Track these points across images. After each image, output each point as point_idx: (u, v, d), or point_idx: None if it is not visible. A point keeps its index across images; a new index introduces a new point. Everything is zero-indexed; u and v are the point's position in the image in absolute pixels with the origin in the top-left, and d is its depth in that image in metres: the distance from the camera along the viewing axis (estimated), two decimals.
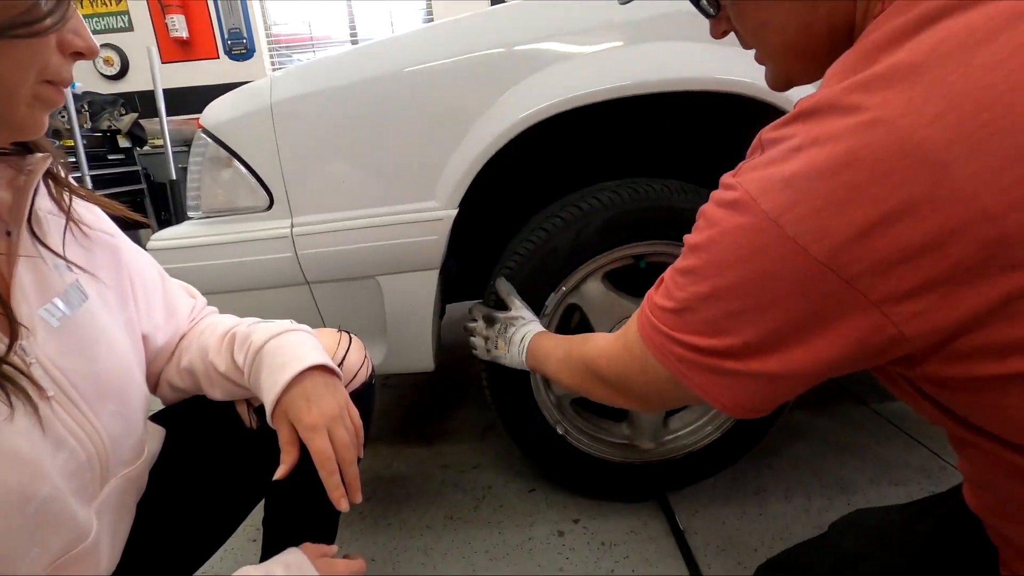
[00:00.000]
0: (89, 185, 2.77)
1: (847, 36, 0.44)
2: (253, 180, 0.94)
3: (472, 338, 1.00)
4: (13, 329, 0.42)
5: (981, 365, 0.35)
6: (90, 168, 2.80)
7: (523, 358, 0.88)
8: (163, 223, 3.38)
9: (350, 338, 0.74)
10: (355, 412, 0.60)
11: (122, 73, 3.83)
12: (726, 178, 0.42)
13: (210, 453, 0.65)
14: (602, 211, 0.93)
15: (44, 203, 0.50)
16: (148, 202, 3.31)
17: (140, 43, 3.67)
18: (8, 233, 0.46)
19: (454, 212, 0.92)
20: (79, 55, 0.44)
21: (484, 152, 0.89)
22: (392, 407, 1.64)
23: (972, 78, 0.31)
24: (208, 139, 0.95)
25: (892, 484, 1.12)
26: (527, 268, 0.96)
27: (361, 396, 0.72)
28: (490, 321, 0.96)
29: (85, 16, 3.84)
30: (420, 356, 1.03)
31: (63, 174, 0.52)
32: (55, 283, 0.48)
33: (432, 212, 0.92)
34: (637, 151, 1.17)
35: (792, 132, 0.38)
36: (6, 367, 0.40)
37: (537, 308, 0.98)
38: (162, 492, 0.61)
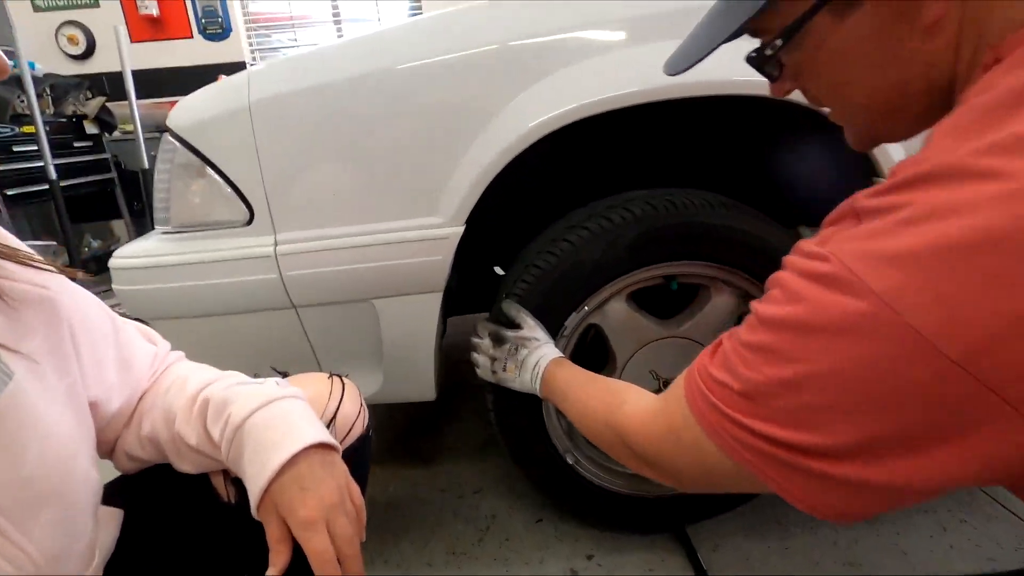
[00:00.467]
0: (53, 175, 2.60)
1: (947, 91, 0.40)
2: (230, 191, 0.83)
3: (475, 355, 0.90)
4: None
5: None
6: (54, 157, 2.61)
7: (536, 385, 0.79)
8: (136, 214, 3.21)
9: (343, 385, 0.64)
10: (356, 490, 0.50)
11: (88, 53, 3.59)
12: (809, 246, 0.36)
13: (178, 535, 0.54)
14: (635, 224, 0.83)
15: None
16: (119, 192, 3.12)
17: (107, 20, 3.44)
18: None
19: (460, 230, 0.81)
20: None
21: (494, 163, 0.78)
22: (385, 422, 1.54)
23: None
24: (177, 143, 0.83)
25: (921, 511, 1.06)
26: (546, 284, 0.86)
27: (356, 453, 0.62)
28: (498, 340, 0.86)
29: None
30: (420, 385, 0.94)
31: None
32: None
33: (436, 230, 0.81)
34: (654, 157, 1.07)
35: (903, 200, 0.32)
36: None
37: (555, 328, 0.88)
38: None
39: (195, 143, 0.82)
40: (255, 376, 0.64)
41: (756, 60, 0.46)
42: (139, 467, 0.56)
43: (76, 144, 2.91)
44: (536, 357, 0.81)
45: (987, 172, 0.29)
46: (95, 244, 3.20)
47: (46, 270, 0.44)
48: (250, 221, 0.84)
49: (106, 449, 0.55)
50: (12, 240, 0.45)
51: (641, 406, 0.56)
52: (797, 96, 0.76)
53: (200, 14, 3.61)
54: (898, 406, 0.31)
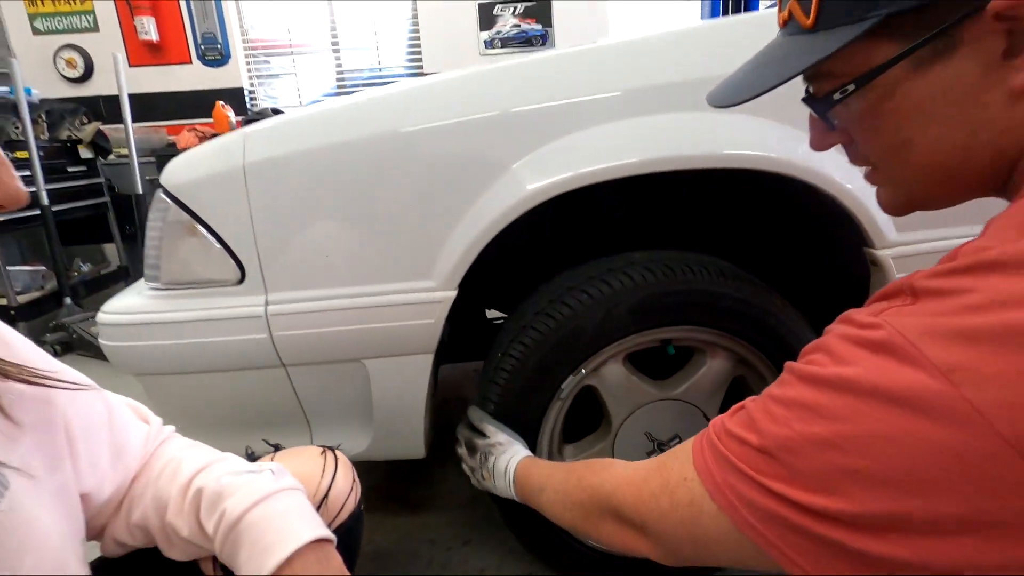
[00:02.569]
0: (45, 201, 2.58)
1: (1010, 166, 0.38)
2: (221, 250, 0.82)
3: (463, 465, 0.90)
4: None
5: None
6: (47, 182, 2.59)
7: (511, 490, 0.78)
8: (128, 238, 3.18)
9: (335, 460, 0.63)
10: None
11: (86, 76, 3.60)
12: (862, 316, 0.36)
13: None
14: (634, 291, 0.83)
15: None
16: (111, 216, 3.11)
17: (106, 45, 3.46)
18: None
19: (453, 294, 0.81)
20: None
21: (488, 230, 0.78)
22: (374, 469, 1.51)
23: None
24: (169, 201, 0.83)
25: None
26: (546, 347, 0.85)
27: (349, 531, 0.61)
28: (471, 449, 0.87)
29: (48, 15, 3.61)
30: (410, 444, 0.93)
31: None
32: None
33: (428, 294, 0.81)
34: (657, 220, 1.07)
35: (967, 285, 0.32)
36: None
37: (552, 391, 0.87)
38: None
39: (188, 202, 0.82)
40: (248, 452, 0.63)
41: (821, 105, 0.43)
42: (125, 552, 0.54)
43: (70, 168, 2.90)
44: (504, 462, 0.80)
45: None
46: (85, 268, 3.16)
47: (50, 386, 0.43)
48: (241, 280, 0.83)
49: (94, 534, 0.53)
50: (16, 344, 0.44)
51: (632, 466, 0.54)
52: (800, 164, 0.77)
53: (200, 40, 3.64)
54: (939, 477, 0.30)
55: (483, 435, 0.86)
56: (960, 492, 0.30)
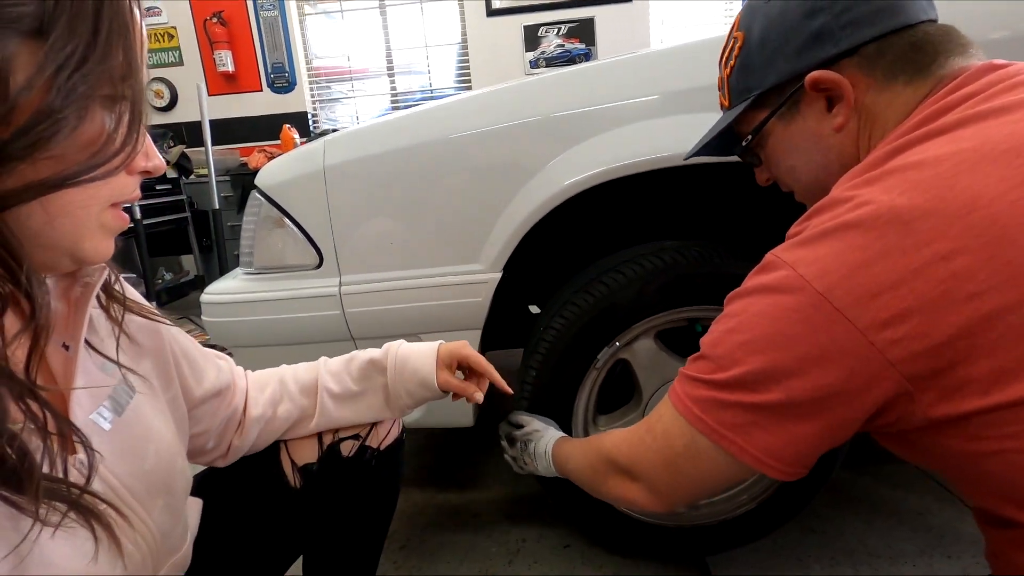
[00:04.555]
0: (138, 215, 2.90)
1: (851, 167, 0.54)
2: (304, 239, 0.98)
3: (506, 457, 1.00)
4: (70, 443, 0.41)
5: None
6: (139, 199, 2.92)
7: (552, 468, 0.87)
8: (204, 249, 3.50)
9: None
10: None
11: (171, 105, 4.00)
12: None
13: (249, 518, 0.67)
14: (664, 272, 0.93)
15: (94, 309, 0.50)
16: (191, 230, 3.43)
17: (189, 76, 3.85)
18: (65, 347, 0.45)
19: (498, 275, 0.93)
20: (146, 173, 0.44)
21: (529, 218, 0.90)
22: (424, 450, 1.64)
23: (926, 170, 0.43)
24: (263, 199, 0.99)
25: (945, 557, 1.07)
26: (584, 319, 0.95)
27: (392, 452, 0.74)
28: (511, 441, 0.97)
29: None
30: (460, 413, 1.04)
31: (119, 290, 0.52)
32: (104, 384, 0.48)
33: (477, 275, 0.93)
34: (683, 212, 1.17)
35: (804, 225, 0.50)
36: (88, 497, 0.40)
37: (589, 361, 0.98)
38: (205, 562, 0.62)
39: (277, 199, 0.98)
40: None
41: (740, 151, 0.65)
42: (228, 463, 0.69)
43: (157, 187, 3.23)
44: (543, 445, 0.89)
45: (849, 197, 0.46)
46: (167, 276, 3.49)
47: (162, 322, 0.57)
48: (319, 265, 0.98)
49: (204, 454, 0.67)
50: (131, 290, 0.56)
51: (625, 428, 0.67)
52: None
53: (270, 69, 3.98)
54: (797, 338, 0.45)
55: (520, 426, 0.96)
56: (808, 341, 0.44)
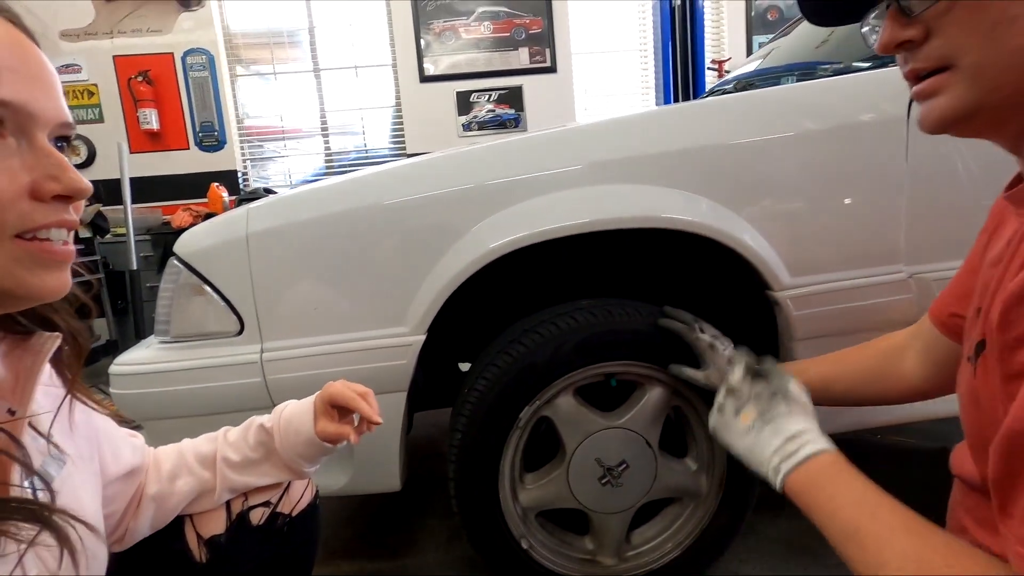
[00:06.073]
0: None
1: None
2: (224, 306, 0.97)
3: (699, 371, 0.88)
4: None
5: None
6: None
7: (786, 463, 0.60)
8: (119, 312, 3.30)
9: None
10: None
11: (88, 161, 3.85)
12: None
13: None
14: (579, 330, 0.98)
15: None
16: (105, 292, 3.23)
17: (109, 134, 3.73)
18: (11, 411, 0.45)
19: (422, 337, 0.95)
20: (65, 198, 0.40)
21: (453, 280, 0.94)
22: (355, 515, 1.58)
23: None
24: (182, 266, 0.98)
25: None
26: (505, 380, 0.98)
27: (306, 517, 0.73)
28: (756, 376, 0.72)
29: None
30: (386, 477, 1.03)
31: (73, 367, 0.53)
32: (40, 450, 0.48)
33: (401, 338, 0.95)
34: (606, 271, 1.24)
35: None
36: (57, 514, 0.41)
37: (511, 420, 1.00)
38: None
39: (197, 266, 0.97)
40: None
41: None
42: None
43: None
44: (799, 428, 0.62)
45: None
46: None
47: (96, 409, 0.59)
48: (240, 331, 0.97)
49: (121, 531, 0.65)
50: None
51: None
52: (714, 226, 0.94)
53: (198, 128, 3.93)
54: None
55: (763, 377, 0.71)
56: None
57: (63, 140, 0.45)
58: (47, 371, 0.53)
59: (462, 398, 1.02)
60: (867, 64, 1.18)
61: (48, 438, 0.49)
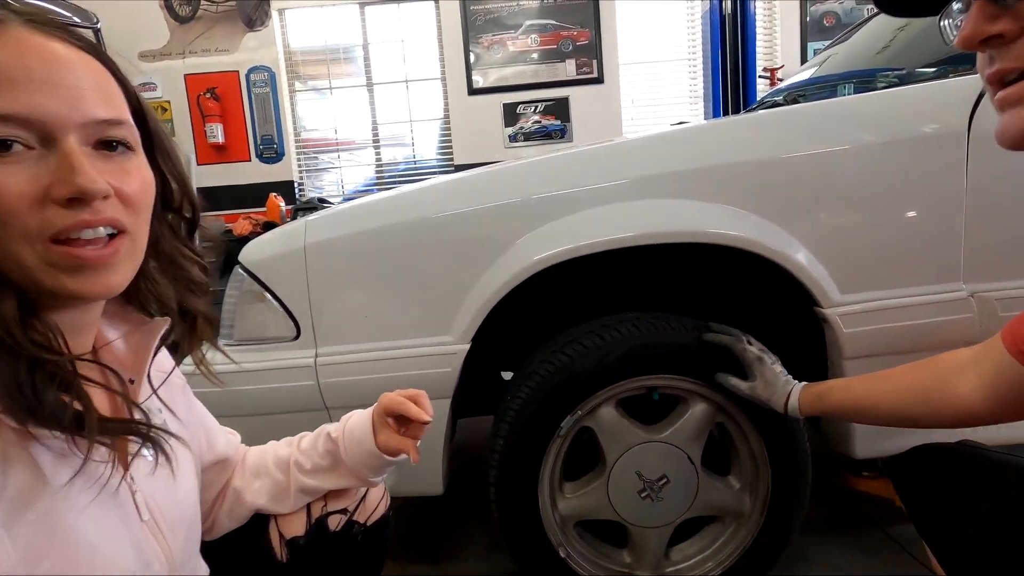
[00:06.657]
0: None
1: None
2: (283, 312, 1.03)
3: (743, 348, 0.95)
4: (126, 461, 0.49)
5: None
6: None
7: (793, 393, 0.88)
8: None
9: None
10: None
11: None
12: None
13: None
14: (623, 342, 0.99)
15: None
16: None
17: (180, 148, 3.98)
18: (131, 380, 0.52)
19: (467, 347, 0.98)
20: (76, 201, 0.39)
21: (497, 292, 0.97)
22: (400, 521, 1.62)
23: None
24: (245, 275, 1.05)
25: None
26: (547, 388, 1.00)
27: (379, 528, 0.76)
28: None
29: None
30: (430, 480, 1.06)
31: (184, 348, 0.60)
32: (151, 421, 0.54)
33: (447, 346, 0.99)
34: (643, 287, 1.24)
35: None
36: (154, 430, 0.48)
37: (553, 428, 1.01)
38: None
39: (259, 274, 1.03)
40: None
41: None
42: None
43: None
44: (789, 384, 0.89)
45: None
46: None
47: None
48: (296, 336, 1.02)
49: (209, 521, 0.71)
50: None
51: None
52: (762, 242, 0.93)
53: (259, 141, 4.15)
54: None
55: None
56: None
57: (115, 141, 0.44)
58: (164, 354, 0.60)
59: (505, 405, 1.04)
60: (932, 70, 1.14)
61: (170, 408, 0.56)
